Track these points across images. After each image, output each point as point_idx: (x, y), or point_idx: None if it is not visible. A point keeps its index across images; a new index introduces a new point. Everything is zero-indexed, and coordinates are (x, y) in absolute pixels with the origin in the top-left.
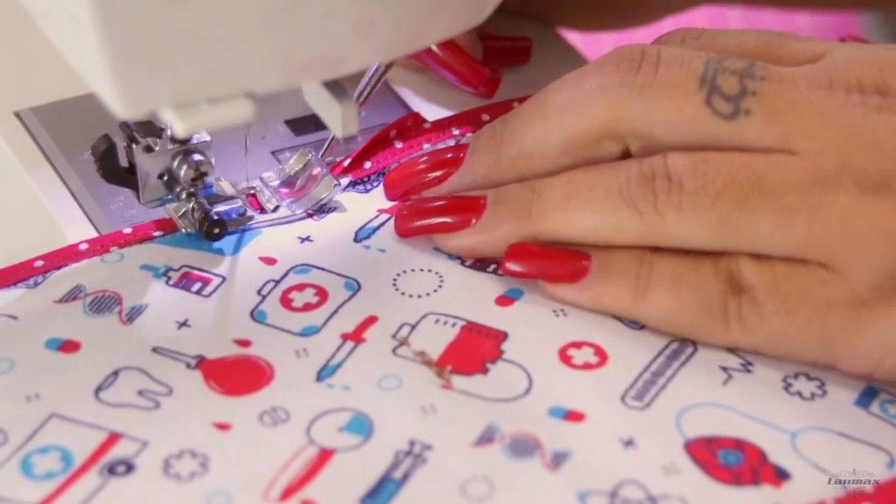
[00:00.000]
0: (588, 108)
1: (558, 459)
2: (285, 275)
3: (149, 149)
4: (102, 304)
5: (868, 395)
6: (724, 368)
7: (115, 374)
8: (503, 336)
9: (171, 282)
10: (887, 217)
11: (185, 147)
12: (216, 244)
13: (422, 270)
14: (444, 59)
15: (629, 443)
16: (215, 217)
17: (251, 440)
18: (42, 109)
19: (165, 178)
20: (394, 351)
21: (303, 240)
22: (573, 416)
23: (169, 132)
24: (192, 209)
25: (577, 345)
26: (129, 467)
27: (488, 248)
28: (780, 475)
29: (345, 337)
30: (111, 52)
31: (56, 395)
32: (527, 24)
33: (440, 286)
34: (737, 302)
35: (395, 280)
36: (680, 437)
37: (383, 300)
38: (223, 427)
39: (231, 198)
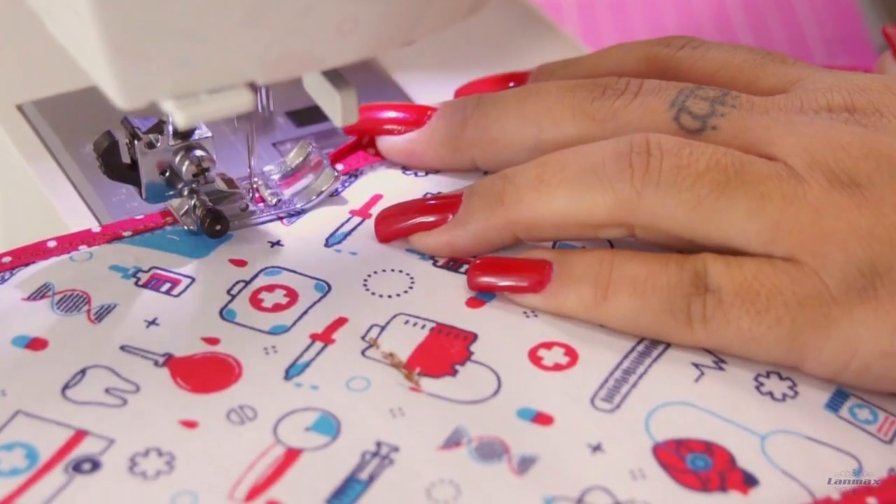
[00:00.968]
0: (565, 121)
1: (525, 464)
2: (255, 276)
3: (150, 145)
4: (71, 303)
5: (838, 399)
6: (697, 365)
7: (83, 372)
8: (473, 337)
9: (141, 282)
10: (857, 212)
11: (186, 143)
12: (186, 247)
13: (393, 271)
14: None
15: (597, 448)
16: (217, 214)
17: (218, 439)
18: (44, 102)
19: (167, 174)
20: (363, 352)
21: (273, 244)
22: (542, 419)
23: (171, 128)
24: (195, 206)
25: (548, 345)
26: (95, 465)
27: (465, 243)
28: (748, 481)
29: (314, 338)
30: (110, 44)
31: (22, 393)
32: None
33: (411, 287)
34: (701, 302)
35: (365, 281)
36: (649, 440)
37: (353, 301)
38: (190, 425)
39: (233, 193)
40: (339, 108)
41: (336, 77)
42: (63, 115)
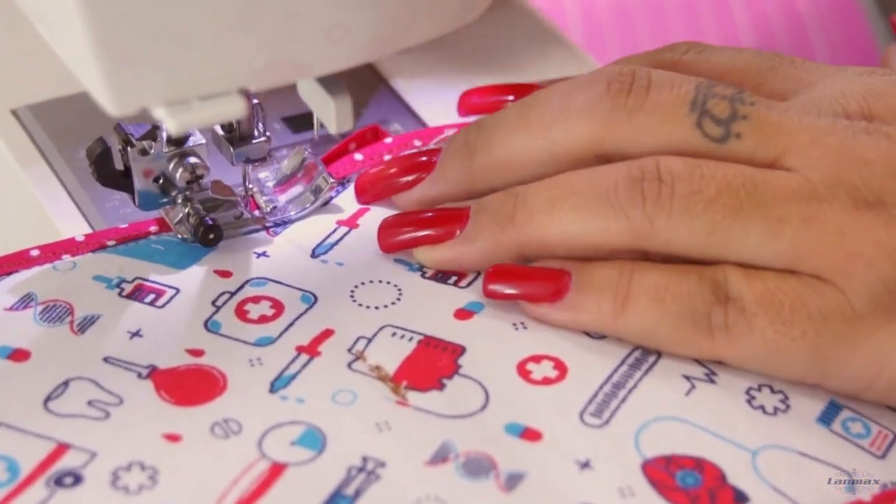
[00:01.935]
0: (574, 125)
1: (513, 481)
2: (241, 287)
3: (144, 152)
4: (54, 313)
5: (831, 412)
6: (687, 378)
7: (66, 384)
8: (461, 350)
9: (125, 293)
10: (884, 231)
11: (180, 150)
12: (171, 257)
13: (380, 282)
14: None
15: (585, 464)
16: (210, 222)
17: (202, 452)
18: (39, 107)
19: (161, 181)
20: (349, 365)
21: (259, 255)
22: (530, 434)
23: (164, 135)
24: (188, 214)
25: (537, 358)
26: (77, 479)
27: (471, 260)
28: (739, 498)
29: (300, 350)
30: (100, 49)
31: (4, 405)
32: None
33: (399, 298)
34: (722, 310)
35: (352, 292)
36: (638, 457)
37: (340, 313)
38: (173, 438)
39: (228, 201)
40: (333, 115)
41: (330, 83)
42: (57, 120)
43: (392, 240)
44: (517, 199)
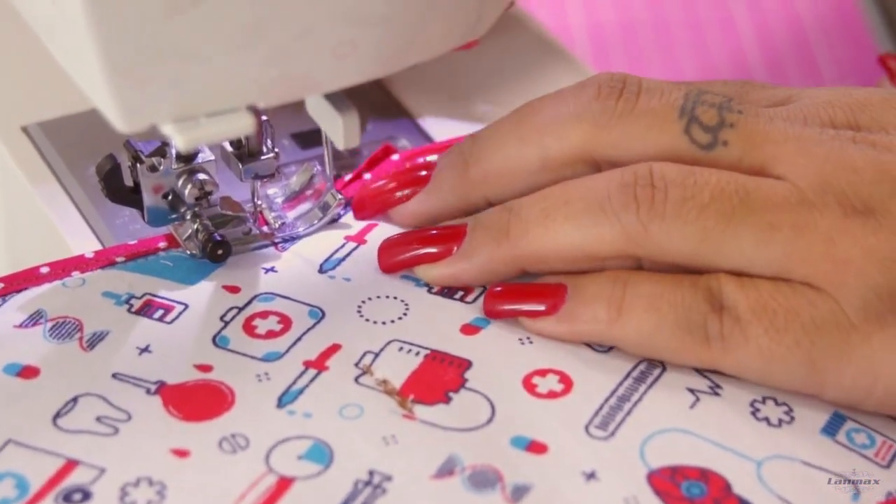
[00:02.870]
0: (565, 130)
1: (519, 493)
2: (249, 302)
3: (153, 168)
4: (63, 330)
5: (835, 423)
6: (692, 390)
7: (74, 400)
8: (467, 364)
9: (134, 309)
10: (873, 237)
11: (189, 166)
12: (180, 273)
13: (387, 297)
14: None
15: (591, 476)
16: (219, 238)
17: (209, 468)
18: (49, 124)
19: (170, 197)
20: (356, 379)
21: (267, 270)
22: (536, 447)
23: (173, 151)
24: (197, 230)
25: (542, 372)
26: (86, 495)
27: (470, 276)
28: None
29: (307, 365)
30: (109, 66)
31: (13, 421)
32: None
33: (405, 313)
34: (718, 319)
35: (359, 307)
36: (644, 467)
37: (347, 328)
38: (181, 454)
39: (236, 217)
40: (341, 132)
41: (338, 100)
42: (67, 137)
43: (392, 260)
44: (511, 213)
